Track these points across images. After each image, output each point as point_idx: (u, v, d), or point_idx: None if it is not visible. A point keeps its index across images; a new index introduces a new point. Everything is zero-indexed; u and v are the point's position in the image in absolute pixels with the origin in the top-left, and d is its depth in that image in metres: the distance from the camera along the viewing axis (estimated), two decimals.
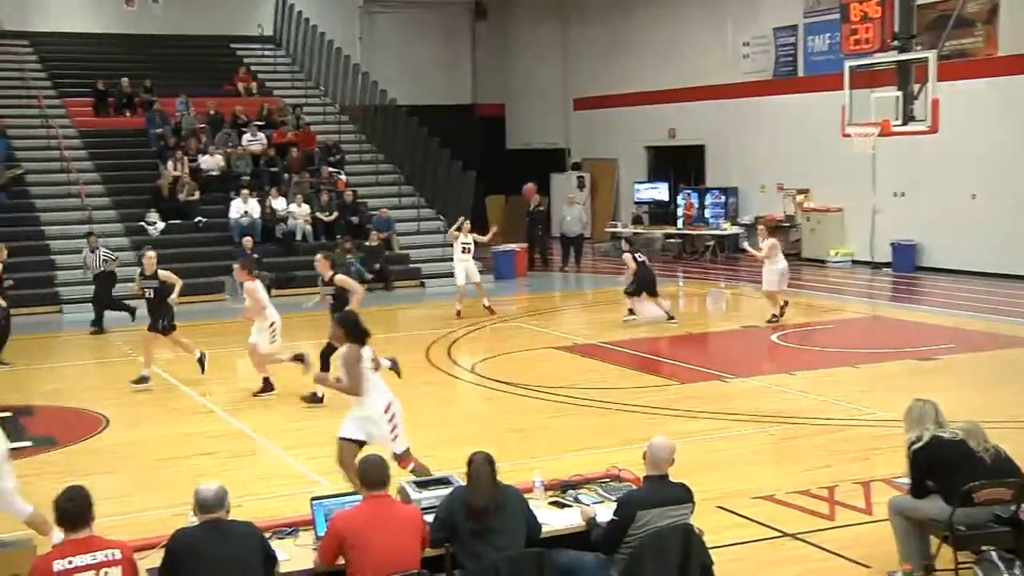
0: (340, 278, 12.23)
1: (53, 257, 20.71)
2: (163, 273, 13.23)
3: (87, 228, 21.16)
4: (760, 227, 17.88)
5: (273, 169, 23.95)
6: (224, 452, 10.04)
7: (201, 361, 13.19)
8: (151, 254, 13.54)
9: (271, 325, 12.43)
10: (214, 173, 23.33)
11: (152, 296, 13.12)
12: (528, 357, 14.52)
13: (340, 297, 12.07)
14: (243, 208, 22.01)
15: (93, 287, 18.12)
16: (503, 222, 29.84)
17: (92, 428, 11.18)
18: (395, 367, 8.55)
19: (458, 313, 17.66)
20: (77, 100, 25.01)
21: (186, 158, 23.20)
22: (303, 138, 25.15)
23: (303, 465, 9.55)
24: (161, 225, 21.82)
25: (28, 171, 22.66)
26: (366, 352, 7.69)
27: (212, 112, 25.07)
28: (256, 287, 12.47)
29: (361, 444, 7.71)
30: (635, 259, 16.57)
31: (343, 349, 7.76)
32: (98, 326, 17.44)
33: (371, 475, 5.59)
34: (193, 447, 10.30)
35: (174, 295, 13.27)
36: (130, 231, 21.77)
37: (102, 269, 17.96)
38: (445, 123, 26.67)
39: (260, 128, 24.86)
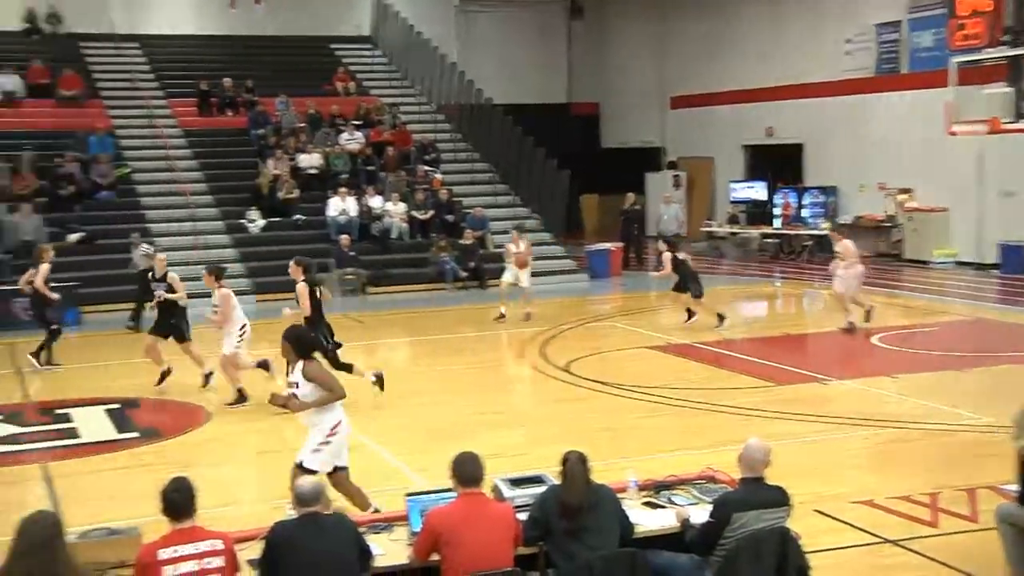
0: (299, 287, 11.67)
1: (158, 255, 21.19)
2: (171, 276, 13.02)
3: (190, 226, 21.76)
4: (832, 231, 17.34)
5: (370, 168, 24.26)
6: None
7: (164, 376, 12.85)
8: (161, 256, 13.40)
9: (241, 329, 11.99)
10: (313, 172, 23.70)
11: (164, 300, 12.90)
12: (622, 356, 14.46)
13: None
14: (341, 206, 22.33)
15: (136, 286, 17.71)
16: (597, 221, 29.85)
17: (195, 421, 11.46)
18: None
19: (501, 316, 17.07)
20: (182, 100, 25.65)
21: (286, 157, 23.63)
22: (399, 137, 25.44)
23: (399, 461, 9.66)
24: (261, 223, 22.25)
25: (135, 170, 23.29)
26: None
27: (311, 111, 25.49)
28: (229, 294, 12.06)
29: (335, 470, 7.46)
30: (676, 258, 16.02)
31: (303, 364, 7.40)
32: (135, 324, 17.27)
33: (466, 472, 5.61)
34: (292, 441, 10.47)
35: (181, 296, 12.94)
36: (231, 228, 22.27)
37: (141, 267, 17.80)
38: (540, 122, 26.71)
39: (358, 127, 25.20)
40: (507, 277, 17.58)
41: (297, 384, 7.43)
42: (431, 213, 22.92)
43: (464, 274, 21.56)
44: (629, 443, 9.89)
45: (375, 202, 22.82)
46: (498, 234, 23.25)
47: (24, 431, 11.23)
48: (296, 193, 22.81)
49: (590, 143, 31.82)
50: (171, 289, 13.00)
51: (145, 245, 18.66)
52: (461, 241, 22.07)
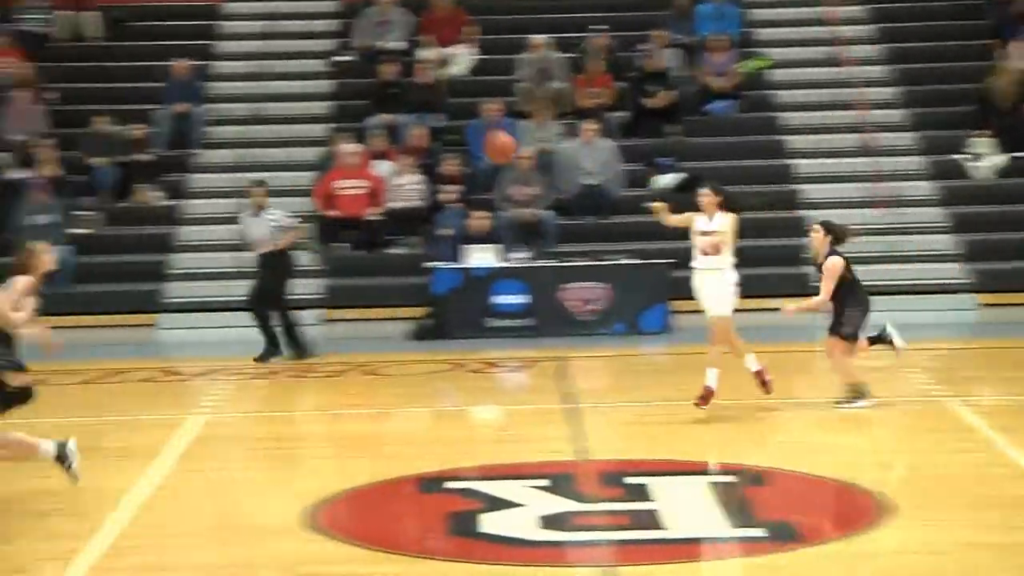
0: None
1: (801, 212, 21.72)
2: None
3: (830, 165, 21.94)
4: None
5: None
6: None
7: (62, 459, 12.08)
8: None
9: None
10: None
11: None
12: None
13: None
14: None
15: (259, 279, 18.64)
16: None
17: (860, 516, 11.48)
18: None
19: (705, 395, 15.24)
20: None
21: None
22: None
23: None
24: (995, 161, 22.30)
25: (777, 63, 24.30)
26: None
27: None
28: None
29: None
30: (846, 262, 15.25)
31: None
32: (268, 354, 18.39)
33: None
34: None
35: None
36: (939, 171, 22.49)
37: (266, 249, 18.41)
38: None
39: None
40: (717, 308, 15.32)
41: None
42: None
43: None
44: None
45: None
46: None
47: (579, 510, 11.68)
48: None
49: None
50: None
51: (271, 212, 18.75)
52: None
